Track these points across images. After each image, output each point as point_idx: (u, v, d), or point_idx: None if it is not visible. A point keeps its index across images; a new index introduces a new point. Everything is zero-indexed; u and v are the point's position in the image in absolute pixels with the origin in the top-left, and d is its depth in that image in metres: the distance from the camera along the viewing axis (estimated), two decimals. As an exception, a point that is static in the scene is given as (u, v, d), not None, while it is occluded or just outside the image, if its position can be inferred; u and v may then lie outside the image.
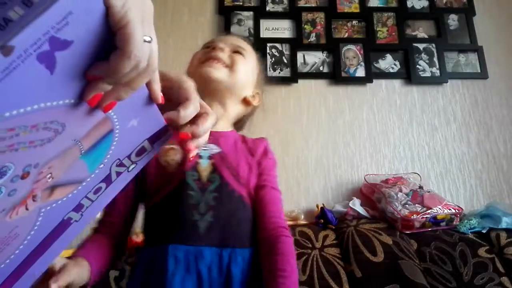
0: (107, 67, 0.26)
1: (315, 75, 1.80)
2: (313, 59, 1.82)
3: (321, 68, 1.81)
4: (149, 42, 0.30)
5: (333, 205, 1.54)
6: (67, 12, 0.22)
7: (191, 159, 0.38)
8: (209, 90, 0.79)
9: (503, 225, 1.41)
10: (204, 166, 0.76)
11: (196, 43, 1.86)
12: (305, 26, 1.87)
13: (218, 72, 0.79)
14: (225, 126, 0.84)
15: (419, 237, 1.35)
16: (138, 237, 1.42)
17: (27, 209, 0.28)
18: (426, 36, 1.88)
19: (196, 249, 0.69)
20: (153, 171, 0.76)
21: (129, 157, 0.36)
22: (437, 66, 1.81)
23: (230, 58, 0.82)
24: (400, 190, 1.46)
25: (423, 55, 1.83)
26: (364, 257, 1.25)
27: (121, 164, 0.35)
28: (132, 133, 0.33)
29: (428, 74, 1.81)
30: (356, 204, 1.49)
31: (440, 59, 1.82)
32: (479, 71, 1.83)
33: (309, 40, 1.84)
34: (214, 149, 0.78)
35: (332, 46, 1.83)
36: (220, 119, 0.83)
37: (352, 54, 1.82)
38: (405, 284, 1.18)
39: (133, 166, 0.37)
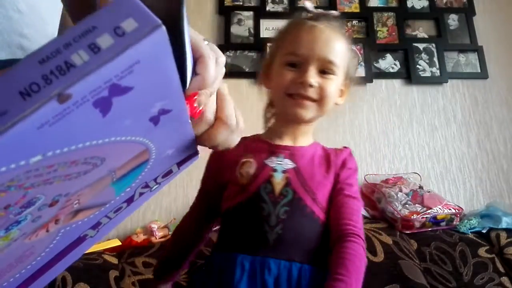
0: (201, 80, 0.28)
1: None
2: (313, 59, 1.82)
3: (321, 68, 1.81)
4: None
5: (333, 205, 1.54)
6: (134, 61, 0.20)
7: (198, 111, 0.33)
8: (295, 122, 0.81)
9: (503, 225, 1.41)
10: (278, 179, 0.76)
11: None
12: (305, 26, 1.87)
13: (307, 112, 0.78)
14: (305, 140, 0.83)
15: (419, 237, 1.35)
16: (138, 237, 1.42)
17: (47, 231, 0.28)
18: (426, 36, 1.88)
19: (262, 260, 0.70)
20: (230, 179, 0.79)
21: (155, 179, 0.35)
22: (437, 66, 1.81)
23: (318, 90, 0.77)
24: (400, 190, 1.46)
25: (423, 55, 1.83)
26: (364, 257, 1.25)
27: (146, 186, 0.35)
28: (165, 160, 0.33)
29: (428, 74, 1.81)
30: (356, 204, 1.49)
31: (440, 59, 1.82)
32: (479, 71, 1.83)
33: (309, 40, 1.84)
34: (289, 164, 0.78)
35: (332, 46, 1.82)
36: (302, 136, 0.83)
37: (352, 54, 1.82)
38: (405, 284, 1.18)
39: (156, 186, 0.37)
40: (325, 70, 0.78)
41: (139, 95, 0.23)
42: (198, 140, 0.34)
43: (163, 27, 0.20)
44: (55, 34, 0.37)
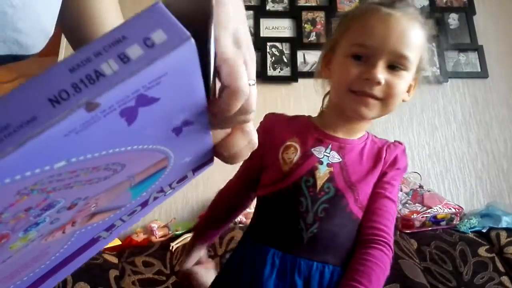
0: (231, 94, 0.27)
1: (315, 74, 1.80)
2: (313, 58, 1.82)
3: (321, 68, 1.81)
4: (253, 85, 0.30)
5: (333, 205, 1.54)
6: (162, 73, 0.21)
7: None
8: (355, 119, 0.74)
9: (503, 224, 1.41)
10: (322, 173, 0.71)
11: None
12: (305, 25, 1.87)
13: (370, 112, 0.70)
14: (358, 135, 0.77)
15: (419, 237, 1.35)
16: (138, 236, 1.42)
17: (64, 232, 0.28)
18: (426, 36, 1.88)
19: (294, 259, 0.67)
20: (272, 162, 0.73)
21: (170, 185, 0.35)
22: (437, 66, 1.81)
23: (384, 88, 0.68)
24: (400, 190, 1.46)
25: (423, 55, 1.83)
26: (364, 256, 1.25)
27: (161, 191, 0.35)
28: (181, 166, 0.33)
29: (428, 73, 1.81)
30: (356, 204, 1.49)
31: (440, 58, 1.82)
32: (479, 70, 1.83)
33: (309, 39, 1.84)
34: (336, 157, 0.72)
35: (332, 46, 1.83)
36: (358, 131, 0.77)
37: (352, 54, 1.82)
38: (405, 284, 1.18)
39: (170, 191, 0.37)
40: (395, 65, 0.68)
41: (165, 106, 0.23)
42: (215, 148, 0.33)
43: (192, 40, 0.21)
44: (51, 27, 0.36)
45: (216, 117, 0.29)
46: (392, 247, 0.69)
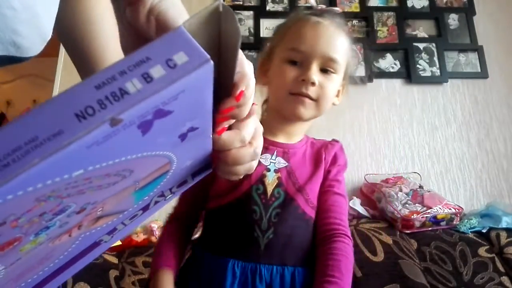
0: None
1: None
2: (313, 58, 1.82)
3: (321, 68, 1.81)
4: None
5: (333, 205, 1.54)
6: (181, 90, 0.22)
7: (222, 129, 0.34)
8: (294, 120, 0.78)
9: (503, 224, 1.41)
10: (270, 179, 0.74)
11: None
12: (305, 26, 1.87)
13: (307, 111, 0.76)
14: (299, 137, 0.82)
15: (419, 237, 1.35)
16: (138, 236, 1.42)
17: (70, 236, 0.29)
18: (426, 36, 1.88)
19: (254, 266, 0.68)
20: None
21: (170, 189, 0.37)
22: (437, 66, 1.81)
23: (317, 89, 0.75)
24: (400, 190, 1.46)
25: (423, 55, 1.83)
26: (364, 256, 1.25)
27: (161, 195, 0.36)
28: (182, 171, 0.34)
29: (428, 73, 1.81)
30: (356, 204, 1.49)
31: (440, 58, 1.82)
32: (479, 70, 1.83)
33: (309, 40, 1.84)
34: (282, 163, 0.76)
35: (332, 46, 1.83)
36: (297, 134, 0.81)
37: (352, 54, 1.82)
38: (405, 284, 1.18)
39: (171, 195, 0.38)
40: (326, 69, 0.76)
41: (176, 117, 0.24)
42: (220, 164, 0.35)
43: (211, 62, 0.22)
44: (49, 30, 0.36)
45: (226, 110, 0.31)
46: (350, 237, 0.74)
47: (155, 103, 0.21)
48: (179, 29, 0.23)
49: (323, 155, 0.79)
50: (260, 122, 0.85)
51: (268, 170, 0.75)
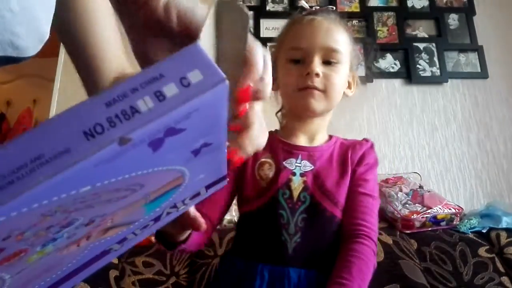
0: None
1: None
2: (313, 58, 1.82)
3: (321, 68, 1.81)
4: None
5: (333, 205, 1.54)
6: (194, 109, 0.21)
7: (237, 161, 0.34)
8: (308, 116, 0.79)
9: (503, 224, 1.41)
10: (296, 184, 0.75)
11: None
12: (305, 26, 1.87)
13: (318, 104, 0.76)
14: (322, 137, 0.82)
15: (419, 237, 1.35)
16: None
17: (78, 246, 0.29)
18: (426, 36, 1.88)
19: (282, 270, 0.69)
20: (249, 179, 0.76)
21: (183, 201, 0.36)
22: (437, 66, 1.81)
23: (323, 80, 0.75)
24: (400, 190, 1.46)
25: (423, 55, 1.83)
26: (364, 256, 1.25)
27: (174, 206, 0.36)
28: (196, 183, 0.34)
29: (428, 73, 1.81)
30: (356, 204, 1.49)
31: (440, 58, 1.82)
32: (479, 70, 1.83)
33: (309, 40, 1.84)
34: (308, 166, 0.76)
35: (332, 46, 1.83)
36: (317, 133, 0.81)
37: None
38: (405, 284, 1.18)
39: (183, 207, 0.38)
40: (329, 60, 0.77)
41: (189, 134, 0.24)
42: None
43: (226, 82, 0.22)
44: (47, 31, 0.37)
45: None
46: (374, 238, 0.73)
47: (166, 123, 0.21)
48: (195, 46, 0.22)
49: (349, 155, 0.79)
50: (282, 127, 0.85)
51: (294, 174, 0.75)
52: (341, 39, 0.79)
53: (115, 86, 0.20)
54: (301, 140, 0.80)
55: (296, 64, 0.77)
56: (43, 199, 0.19)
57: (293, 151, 0.78)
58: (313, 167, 0.76)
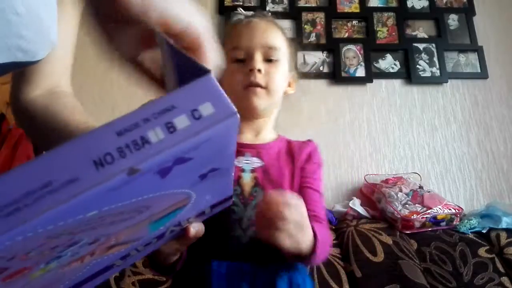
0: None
1: (315, 75, 1.80)
2: (313, 59, 1.82)
3: (321, 68, 1.81)
4: None
5: (333, 205, 1.54)
6: (203, 141, 0.22)
7: None
8: (252, 114, 0.81)
9: (503, 225, 1.41)
10: (247, 180, 0.76)
11: (196, 43, 1.86)
12: (305, 26, 1.87)
13: (260, 101, 0.79)
14: (268, 135, 0.84)
15: (419, 237, 1.35)
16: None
17: (82, 262, 0.29)
18: (426, 36, 1.88)
19: (238, 265, 0.69)
20: None
21: (188, 219, 0.36)
22: (437, 66, 1.81)
23: (265, 77, 0.79)
24: (400, 190, 1.46)
25: (423, 55, 1.83)
26: (364, 257, 1.25)
27: (178, 225, 0.36)
28: (201, 203, 0.34)
29: (428, 74, 1.81)
30: (356, 204, 1.49)
31: (440, 59, 1.82)
32: (479, 71, 1.83)
33: (309, 40, 1.84)
34: (256, 162, 0.78)
35: (332, 46, 1.83)
36: (263, 130, 0.83)
37: (352, 54, 1.82)
38: (405, 284, 1.18)
39: (187, 224, 0.38)
40: (269, 58, 0.80)
41: (197, 162, 0.24)
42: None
43: (237, 116, 0.22)
44: (54, 33, 0.37)
45: None
46: (328, 224, 0.74)
47: (176, 153, 0.21)
48: (208, 77, 0.22)
49: (296, 152, 0.81)
50: None
51: (243, 170, 0.76)
52: (278, 37, 0.84)
53: (128, 115, 0.20)
54: (248, 138, 0.81)
55: (238, 63, 0.81)
56: (49, 225, 0.19)
57: (239, 149, 0.79)
58: (262, 162, 0.78)
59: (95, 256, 0.29)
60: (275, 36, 0.84)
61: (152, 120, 0.20)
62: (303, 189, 0.77)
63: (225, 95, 0.22)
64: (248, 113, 0.80)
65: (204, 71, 0.22)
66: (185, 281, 0.72)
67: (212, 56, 0.30)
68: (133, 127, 0.20)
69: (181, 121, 0.21)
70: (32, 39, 0.33)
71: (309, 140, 0.86)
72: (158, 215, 0.29)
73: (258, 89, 0.78)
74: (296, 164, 0.80)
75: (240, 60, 0.81)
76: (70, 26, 0.52)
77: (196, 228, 0.41)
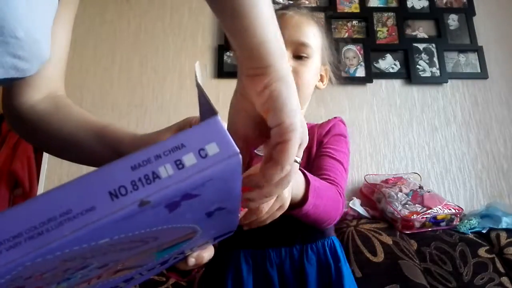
0: (260, 178, 0.33)
1: (315, 75, 1.80)
2: (313, 59, 1.82)
3: (321, 68, 1.81)
4: (298, 163, 0.35)
5: (333, 205, 1.53)
6: (209, 179, 0.24)
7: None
8: None
9: (503, 225, 1.41)
10: None
11: (196, 43, 1.87)
12: (305, 26, 1.87)
13: None
14: None
15: (419, 237, 1.35)
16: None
17: (89, 284, 0.31)
18: (426, 36, 1.88)
19: (263, 252, 0.69)
20: None
21: (191, 248, 0.39)
22: (437, 66, 1.81)
23: (294, 75, 0.76)
24: (400, 190, 1.46)
25: (423, 55, 1.83)
26: (364, 257, 1.25)
27: (182, 253, 0.38)
28: (206, 236, 0.37)
29: (428, 74, 1.81)
30: (356, 204, 1.49)
31: (440, 59, 1.82)
32: (479, 71, 1.83)
33: (309, 40, 1.84)
34: None
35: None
36: None
37: (352, 54, 1.82)
38: (405, 284, 1.18)
39: (190, 253, 0.41)
40: (299, 55, 0.77)
41: (203, 199, 0.26)
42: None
43: (239, 156, 0.24)
44: (47, 52, 0.39)
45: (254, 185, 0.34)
46: (341, 191, 0.72)
47: (183, 189, 0.23)
48: (215, 119, 0.24)
49: (316, 132, 0.79)
50: None
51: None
52: (311, 33, 0.79)
53: (141, 151, 0.23)
54: None
55: None
56: (65, 249, 0.21)
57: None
58: None
59: (101, 279, 0.31)
60: (308, 31, 0.79)
61: (163, 157, 0.23)
62: (321, 158, 0.74)
63: (229, 136, 0.24)
64: None
65: (213, 113, 0.25)
66: (213, 268, 0.73)
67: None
68: (146, 162, 0.22)
69: (189, 159, 0.23)
70: (27, 58, 0.35)
71: (334, 117, 0.84)
72: (165, 245, 0.32)
73: None
74: (314, 144, 0.77)
75: None
76: (65, 34, 0.53)
77: (195, 259, 0.43)
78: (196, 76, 0.32)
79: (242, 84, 0.38)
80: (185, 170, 0.23)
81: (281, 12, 0.80)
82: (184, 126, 0.51)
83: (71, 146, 0.52)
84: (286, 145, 0.32)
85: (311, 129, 0.81)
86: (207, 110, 0.29)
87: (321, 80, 0.85)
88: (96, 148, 0.50)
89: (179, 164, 0.23)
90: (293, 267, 0.69)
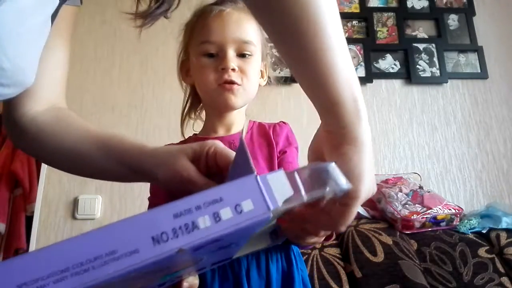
0: (311, 227, 0.38)
1: (315, 75, 1.80)
2: (313, 59, 1.82)
3: (321, 68, 1.81)
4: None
5: (333, 205, 1.54)
6: (239, 229, 0.26)
7: None
8: (228, 111, 0.78)
9: (503, 225, 1.41)
10: None
11: (196, 43, 1.87)
12: (305, 26, 1.87)
13: (237, 99, 0.76)
14: (239, 125, 0.81)
15: (419, 237, 1.35)
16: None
17: None
18: (426, 36, 1.88)
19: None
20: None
21: (189, 272, 0.41)
22: (437, 66, 1.82)
23: (239, 74, 0.76)
24: (400, 190, 1.46)
25: (423, 55, 1.83)
26: (364, 257, 1.25)
27: (179, 276, 0.40)
28: (207, 264, 0.39)
29: (428, 74, 1.81)
30: (356, 204, 1.49)
31: (440, 59, 1.82)
32: (479, 71, 1.83)
33: (309, 40, 1.84)
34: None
35: (332, 46, 1.83)
36: (235, 122, 0.81)
37: (352, 54, 1.82)
38: (405, 284, 1.18)
39: (187, 276, 0.42)
40: (243, 53, 0.76)
41: (225, 242, 0.28)
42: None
43: (271, 214, 0.26)
44: (31, 80, 0.40)
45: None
46: None
47: (216, 239, 0.25)
48: (252, 177, 0.27)
49: (273, 134, 0.78)
50: (203, 126, 0.85)
51: None
52: (251, 30, 0.78)
53: (184, 200, 0.25)
54: (220, 133, 0.79)
55: (209, 58, 0.76)
56: (104, 283, 0.23)
57: None
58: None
59: None
60: (249, 28, 0.78)
61: (203, 208, 0.25)
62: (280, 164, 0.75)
63: (265, 194, 0.26)
64: (223, 110, 0.78)
65: (250, 171, 0.27)
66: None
67: None
68: (187, 212, 0.25)
69: (226, 213, 0.25)
70: (10, 85, 0.37)
71: (282, 122, 0.83)
72: (173, 270, 0.34)
73: (235, 86, 0.75)
74: (272, 147, 0.77)
75: (211, 55, 0.76)
76: (64, 48, 0.54)
77: (189, 283, 0.43)
78: (242, 131, 0.36)
79: (321, 129, 0.40)
80: (221, 223, 0.25)
81: (218, 9, 0.78)
82: (200, 152, 0.51)
83: (73, 158, 0.51)
84: (346, 209, 0.34)
85: (260, 127, 0.80)
86: (243, 164, 0.31)
87: (261, 76, 0.84)
88: (100, 160, 0.50)
89: (216, 217, 0.25)
90: (259, 270, 0.69)
